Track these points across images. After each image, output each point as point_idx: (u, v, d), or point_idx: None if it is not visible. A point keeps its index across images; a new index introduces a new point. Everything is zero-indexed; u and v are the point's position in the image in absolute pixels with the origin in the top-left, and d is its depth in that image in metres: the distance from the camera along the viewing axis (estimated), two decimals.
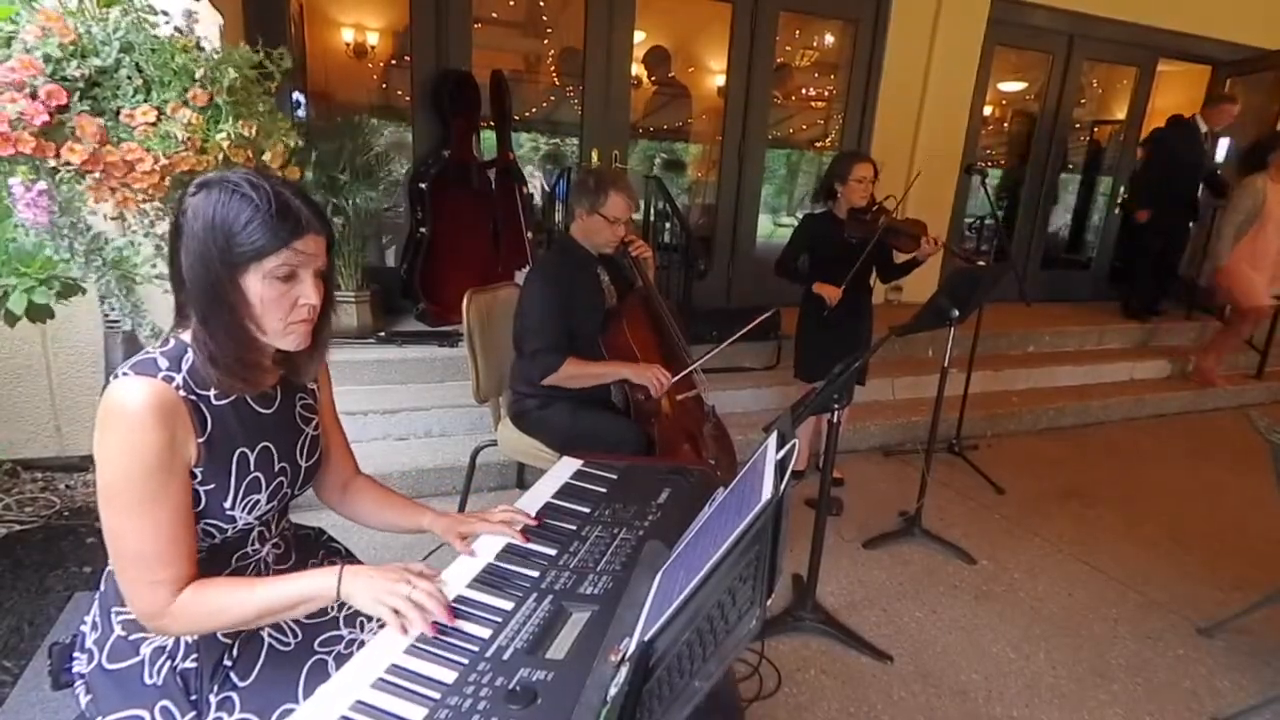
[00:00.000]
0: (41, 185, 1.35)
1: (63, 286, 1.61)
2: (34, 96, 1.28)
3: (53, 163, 1.33)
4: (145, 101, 1.38)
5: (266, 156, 1.55)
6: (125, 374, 0.95)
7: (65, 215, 1.45)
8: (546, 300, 2.18)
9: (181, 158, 1.40)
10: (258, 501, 1.06)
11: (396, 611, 0.98)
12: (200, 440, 0.98)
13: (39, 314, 1.71)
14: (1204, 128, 5.00)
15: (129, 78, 1.39)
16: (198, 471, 0.99)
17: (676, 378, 2.20)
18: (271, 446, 1.08)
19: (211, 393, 1.00)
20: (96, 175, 1.38)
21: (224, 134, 1.44)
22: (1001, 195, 5.84)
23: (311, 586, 1.01)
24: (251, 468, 1.05)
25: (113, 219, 1.54)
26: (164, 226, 1.59)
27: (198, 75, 1.41)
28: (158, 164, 1.37)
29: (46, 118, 1.29)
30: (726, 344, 2.33)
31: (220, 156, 1.45)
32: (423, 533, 1.29)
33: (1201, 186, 5.19)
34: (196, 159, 1.42)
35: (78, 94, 1.35)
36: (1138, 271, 5.48)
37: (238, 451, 1.03)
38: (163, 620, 0.96)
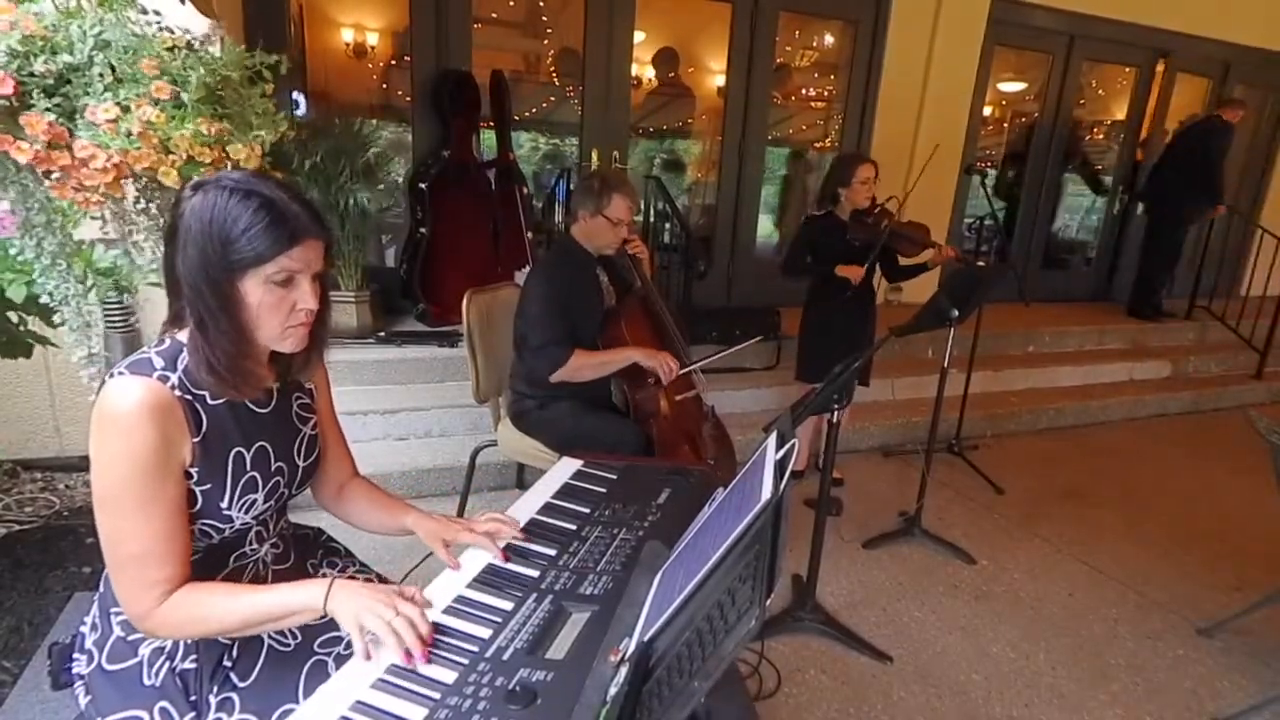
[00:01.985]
0: (4, 205, 1.33)
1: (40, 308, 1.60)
2: None
3: (13, 153, 1.30)
4: (113, 99, 1.34)
5: (240, 156, 1.49)
6: (120, 373, 0.94)
7: (42, 213, 1.43)
8: (548, 297, 2.19)
9: (138, 155, 1.36)
10: (254, 501, 1.06)
11: (366, 637, 0.95)
12: (195, 440, 0.98)
13: (16, 350, 1.69)
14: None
15: (100, 75, 1.35)
16: (193, 471, 0.99)
17: (684, 370, 2.21)
18: (268, 446, 1.08)
19: (207, 392, 1.00)
20: (55, 175, 1.35)
21: (185, 133, 1.39)
22: (1013, 188, 5.82)
23: (299, 598, 0.98)
24: (248, 467, 1.05)
25: (94, 218, 1.52)
26: (138, 235, 1.57)
27: (154, 86, 1.37)
28: (110, 160, 1.34)
29: None
30: (728, 352, 2.35)
31: (185, 155, 1.41)
32: (409, 534, 1.25)
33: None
34: (158, 157, 1.38)
35: (42, 91, 1.30)
36: (1149, 271, 5.42)
37: (234, 451, 1.03)
38: (150, 622, 0.96)
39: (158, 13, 1.50)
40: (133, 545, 0.94)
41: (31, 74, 1.29)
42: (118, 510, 0.93)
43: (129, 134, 1.34)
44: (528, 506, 1.36)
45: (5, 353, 1.69)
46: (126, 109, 1.35)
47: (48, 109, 1.31)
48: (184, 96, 1.41)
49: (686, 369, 2.24)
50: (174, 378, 0.97)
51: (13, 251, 1.47)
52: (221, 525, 1.03)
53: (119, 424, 0.92)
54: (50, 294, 1.50)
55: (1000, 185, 5.94)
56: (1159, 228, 5.29)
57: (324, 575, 1.24)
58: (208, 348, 0.95)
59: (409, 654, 0.93)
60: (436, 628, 1.00)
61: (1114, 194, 5.98)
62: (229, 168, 1.49)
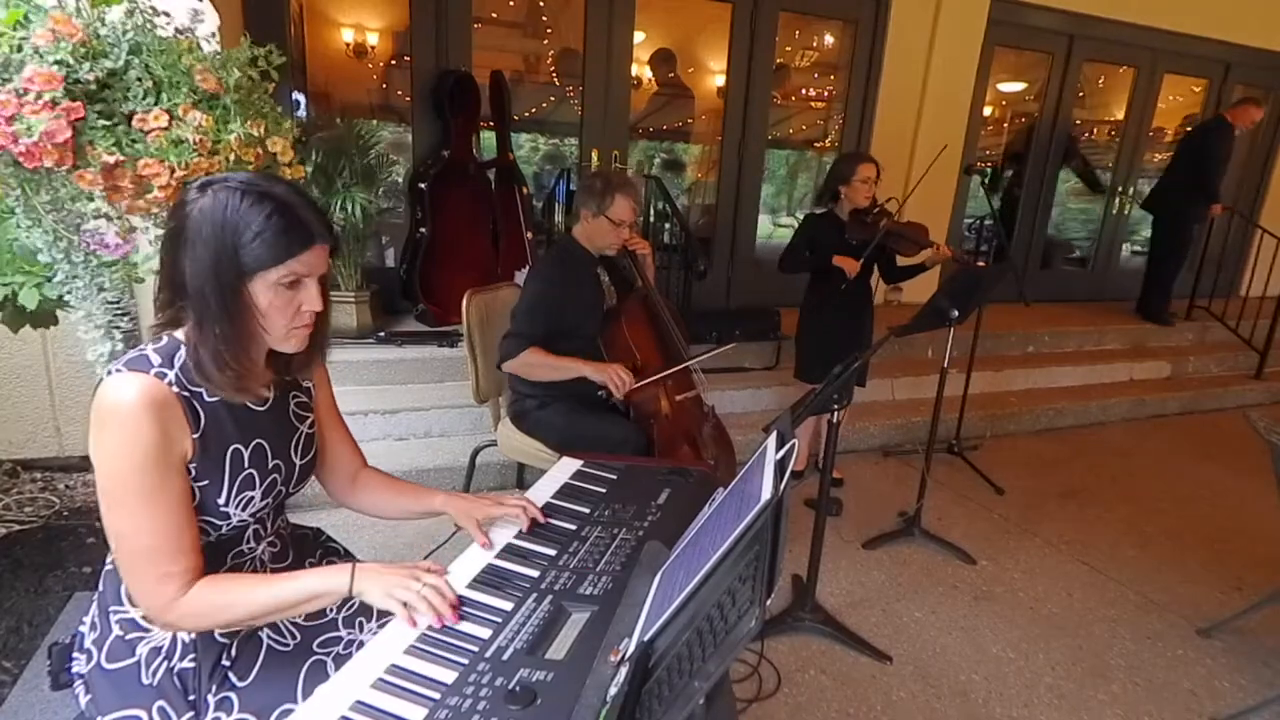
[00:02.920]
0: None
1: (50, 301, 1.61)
2: (53, 106, 1.27)
3: (75, 181, 1.32)
4: (155, 104, 1.37)
5: (277, 149, 1.52)
6: (118, 370, 0.95)
7: (51, 209, 1.43)
8: (539, 295, 2.21)
9: (196, 165, 1.38)
10: (252, 498, 1.06)
11: (406, 605, 1.00)
12: (194, 436, 0.98)
13: (42, 320, 1.70)
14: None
15: (139, 79, 1.37)
16: (192, 468, 0.99)
17: (640, 383, 2.18)
18: (265, 444, 1.08)
19: (204, 389, 1.00)
20: (104, 192, 1.37)
21: (235, 133, 1.42)
22: (1013, 188, 5.80)
23: (324, 583, 1.01)
24: (245, 464, 1.05)
25: (104, 216, 1.53)
26: (144, 226, 1.57)
27: (198, 75, 1.40)
28: (174, 175, 1.36)
29: (69, 133, 1.28)
30: (721, 350, 2.34)
31: (231, 157, 1.44)
32: (438, 515, 1.29)
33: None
34: (209, 162, 1.41)
35: (86, 98, 1.33)
36: (1156, 275, 5.34)
37: (231, 448, 1.03)
38: (172, 615, 0.96)
39: (167, 14, 1.51)
40: (143, 539, 0.94)
41: (77, 81, 1.31)
42: (123, 506, 0.93)
43: (179, 141, 1.36)
44: None
45: (33, 323, 1.70)
46: (173, 115, 1.36)
47: (98, 116, 1.32)
48: (226, 99, 1.44)
49: (669, 372, 2.23)
50: (171, 374, 0.97)
51: (42, 257, 1.47)
52: (219, 522, 1.03)
53: (118, 419, 0.92)
54: (73, 292, 1.51)
55: (1000, 185, 5.93)
56: (1162, 231, 5.26)
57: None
58: (209, 348, 0.96)
59: (441, 617, 0.99)
60: (441, 621, 1.01)
61: (1111, 194, 5.98)
62: (245, 168, 1.50)
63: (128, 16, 1.41)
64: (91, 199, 1.36)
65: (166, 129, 1.36)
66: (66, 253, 1.46)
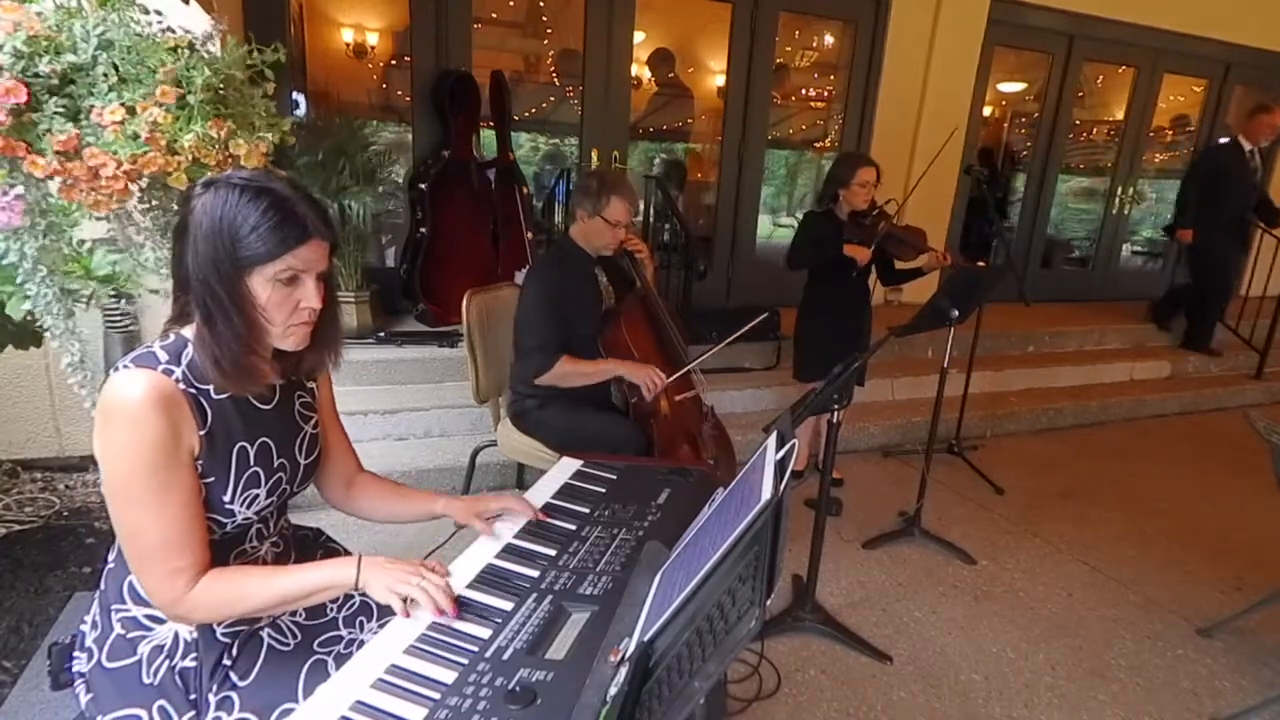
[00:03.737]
0: (19, 190, 1.33)
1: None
2: None
3: (26, 167, 1.31)
4: (118, 99, 1.35)
5: (240, 153, 1.49)
6: (125, 367, 0.95)
7: (43, 217, 1.42)
8: (543, 300, 2.20)
9: (148, 159, 1.36)
10: (257, 496, 1.06)
11: (406, 600, 1.01)
12: (201, 433, 0.99)
13: (25, 340, 1.68)
14: (1247, 146, 4.70)
15: (105, 75, 1.36)
16: (199, 464, 0.99)
17: (672, 378, 2.20)
18: (270, 442, 1.09)
19: (211, 387, 1.00)
20: (63, 181, 1.35)
21: (191, 135, 1.40)
22: (996, 192, 5.80)
23: (331, 575, 1.03)
24: (251, 462, 1.05)
25: (98, 219, 1.51)
26: (138, 236, 1.57)
27: (160, 74, 1.38)
28: (120, 168, 1.35)
29: (2, 117, 1.25)
30: (722, 345, 2.33)
31: (190, 157, 1.42)
32: (436, 519, 1.30)
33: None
34: (165, 160, 1.39)
35: (48, 92, 1.31)
36: (1185, 298, 5.20)
37: (237, 445, 1.04)
38: (182, 608, 0.97)
39: (159, 12, 1.50)
40: (152, 535, 0.95)
41: (37, 74, 1.30)
42: (132, 501, 0.94)
43: (136, 136, 1.34)
44: None
45: (15, 343, 1.69)
46: (132, 110, 1.35)
47: (57, 113, 1.30)
48: (189, 99, 1.41)
49: (678, 374, 2.24)
50: (178, 371, 0.97)
51: (10, 258, 1.46)
52: (224, 520, 1.04)
53: (126, 415, 0.92)
54: (33, 300, 1.50)
55: (1000, 185, 5.93)
56: (1190, 260, 5.11)
57: None
58: (214, 343, 0.96)
59: (441, 612, 1.01)
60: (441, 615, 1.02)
61: (1110, 193, 5.97)
62: (231, 168, 1.49)
63: (110, 10, 1.40)
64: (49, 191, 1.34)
65: (121, 124, 1.34)
66: (20, 256, 1.43)
